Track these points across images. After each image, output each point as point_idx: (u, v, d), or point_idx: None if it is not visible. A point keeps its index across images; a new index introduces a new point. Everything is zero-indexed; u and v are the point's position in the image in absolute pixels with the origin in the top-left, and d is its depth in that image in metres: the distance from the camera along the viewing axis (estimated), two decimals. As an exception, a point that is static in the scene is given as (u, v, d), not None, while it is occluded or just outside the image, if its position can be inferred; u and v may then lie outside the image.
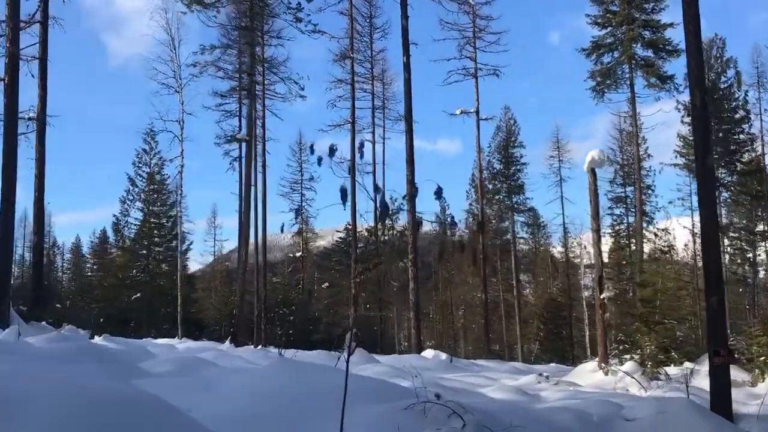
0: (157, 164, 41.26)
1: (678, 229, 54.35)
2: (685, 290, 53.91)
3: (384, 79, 45.39)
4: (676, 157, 36.15)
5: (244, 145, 36.58)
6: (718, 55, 35.25)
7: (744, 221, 43.46)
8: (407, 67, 26.03)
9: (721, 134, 34.88)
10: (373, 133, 38.51)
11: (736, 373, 17.22)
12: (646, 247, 51.76)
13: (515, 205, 47.77)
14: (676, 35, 33.84)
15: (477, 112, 36.01)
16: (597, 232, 18.21)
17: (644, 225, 48.24)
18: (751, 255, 43.28)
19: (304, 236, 56.91)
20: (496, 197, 48.01)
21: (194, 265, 62.50)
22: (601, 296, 17.84)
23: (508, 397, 11.67)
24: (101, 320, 38.30)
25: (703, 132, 9.21)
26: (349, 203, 29.00)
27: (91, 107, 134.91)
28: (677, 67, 35.75)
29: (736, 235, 43.07)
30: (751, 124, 35.69)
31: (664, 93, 34.73)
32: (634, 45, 34.86)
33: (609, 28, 36.36)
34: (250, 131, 24.90)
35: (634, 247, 51.20)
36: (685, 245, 52.11)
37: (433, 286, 66.48)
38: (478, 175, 35.41)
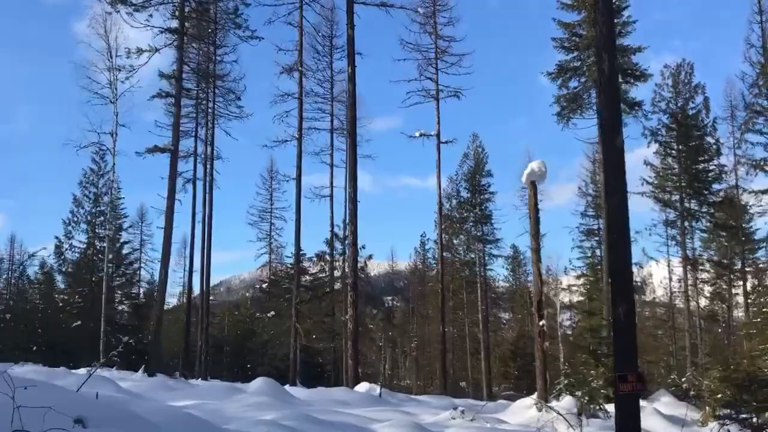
0: (105, 185, 39.22)
1: (655, 268, 52.85)
2: (662, 329, 52.31)
3: (347, 101, 44.08)
4: (642, 184, 34.55)
5: (193, 163, 34.92)
6: (686, 80, 34.01)
7: (724, 260, 41.52)
8: (352, 79, 24.50)
9: (689, 161, 33.44)
10: (332, 155, 36.91)
11: (684, 411, 15.34)
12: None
13: (484, 236, 45.98)
14: (644, 60, 32.75)
15: (438, 135, 34.48)
16: (537, 252, 16.40)
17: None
18: (726, 293, 41.43)
19: (271, 267, 54.77)
20: (464, 227, 46.29)
21: (170, 298, 60.54)
22: (540, 323, 15.96)
23: (399, 434, 9.75)
24: (33, 348, 35.94)
25: (611, 106, 7.51)
26: (293, 227, 26.85)
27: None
28: (645, 92, 34.62)
29: (712, 272, 41.18)
30: (721, 153, 34.27)
31: (630, 119, 33.42)
32: (601, 69, 33.63)
33: (576, 53, 35.19)
34: (176, 141, 23.07)
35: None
36: (661, 282, 50.42)
37: (410, 320, 64.81)
38: (437, 200, 33.65)
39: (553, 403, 15.24)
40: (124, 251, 45.34)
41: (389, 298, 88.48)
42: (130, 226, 48.65)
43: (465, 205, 45.87)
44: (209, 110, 34.38)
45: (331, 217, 36.15)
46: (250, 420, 8.61)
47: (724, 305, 43.29)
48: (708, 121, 33.71)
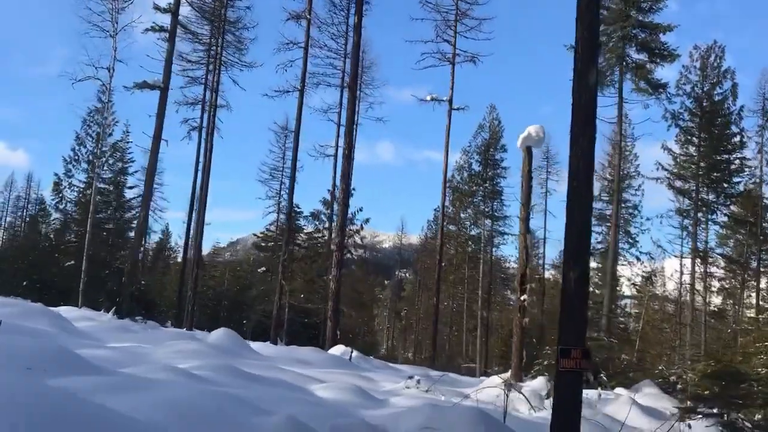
0: (109, 125, 38.48)
1: (668, 262, 51.28)
2: (669, 323, 50.83)
3: (363, 62, 42.83)
4: (657, 168, 33.05)
5: (200, 111, 34.05)
6: (716, 64, 32.24)
7: (740, 258, 39.72)
8: (357, 29, 23.30)
9: (710, 149, 31.85)
10: (339, 113, 35.67)
11: (666, 404, 14.32)
12: (627, 271, 48.78)
13: (492, 212, 44.74)
14: (674, 39, 30.97)
15: (450, 101, 33.19)
16: (525, 221, 15.30)
17: (626, 246, 45.32)
18: (738, 291, 39.84)
19: (278, 226, 53.94)
20: (472, 201, 45.07)
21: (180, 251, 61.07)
22: (521, 298, 14.93)
23: (334, 396, 8.85)
24: (24, 284, 35.70)
25: (588, 35, 6.35)
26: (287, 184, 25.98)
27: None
28: (671, 74, 33.00)
29: (725, 269, 39.57)
30: (745, 144, 32.54)
31: (653, 100, 31.85)
32: (627, 46, 31.98)
33: (602, 27, 33.55)
34: (166, 78, 22.04)
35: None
36: (671, 275, 48.87)
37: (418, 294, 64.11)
38: (443, 168, 32.46)
39: (527, 383, 14.30)
40: (129, 196, 44.96)
41: (404, 271, 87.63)
42: (137, 171, 48.33)
43: (475, 178, 44.58)
44: (217, 56, 33.35)
45: (334, 177, 35.15)
46: (159, 365, 7.75)
47: (733, 303, 41.80)
48: (734, 108, 32.05)
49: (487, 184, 44.41)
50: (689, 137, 32.28)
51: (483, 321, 42.77)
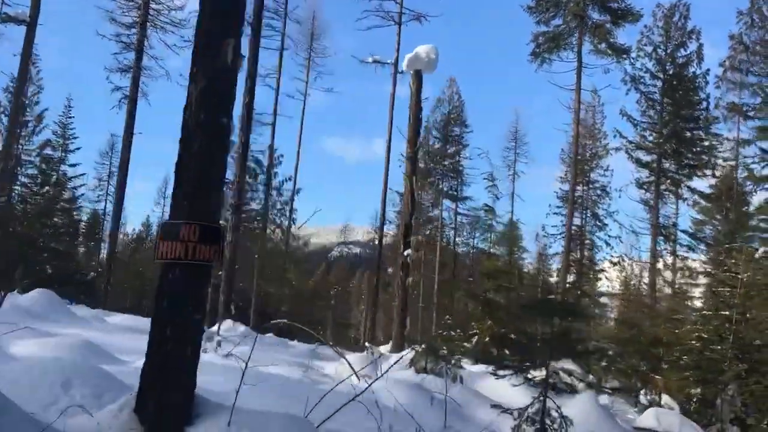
0: (34, 93, 35.75)
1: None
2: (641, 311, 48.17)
3: (314, 30, 40.16)
4: (615, 137, 30.44)
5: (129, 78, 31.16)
6: (680, 24, 29.53)
7: (708, 240, 36.94)
8: (262, -35, 20.56)
9: (673, 115, 29.17)
10: (279, 79, 33.15)
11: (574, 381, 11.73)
12: (597, 256, 46.15)
13: (449, 191, 42.05)
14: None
15: (395, 64, 30.28)
16: (412, 161, 12.61)
17: (595, 229, 42.85)
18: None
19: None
20: (429, 179, 42.37)
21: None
22: (404, 253, 12.25)
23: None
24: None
25: None
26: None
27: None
28: (632, 38, 30.39)
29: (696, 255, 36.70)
30: (717, 118, 29.69)
31: (613, 65, 29.28)
32: (587, 5, 29.37)
33: (562, -14, 30.88)
34: (35, 10, 19.02)
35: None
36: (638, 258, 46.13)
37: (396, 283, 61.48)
38: (387, 137, 29.57)
39: (397, 355, 11.64)
40: (71, 174, 42.41)
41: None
42: (79, 148, 45.81)
43: (434, 155, 41.88)
44: (144, 13, 30.49)
45: (271, 146, 32.78)
46: None
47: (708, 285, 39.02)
48: (700, 72, 29.37)
49: (446, 162, 41.68)
50: (650, 102, 29.61)
51: (442, 305, 40.13)
